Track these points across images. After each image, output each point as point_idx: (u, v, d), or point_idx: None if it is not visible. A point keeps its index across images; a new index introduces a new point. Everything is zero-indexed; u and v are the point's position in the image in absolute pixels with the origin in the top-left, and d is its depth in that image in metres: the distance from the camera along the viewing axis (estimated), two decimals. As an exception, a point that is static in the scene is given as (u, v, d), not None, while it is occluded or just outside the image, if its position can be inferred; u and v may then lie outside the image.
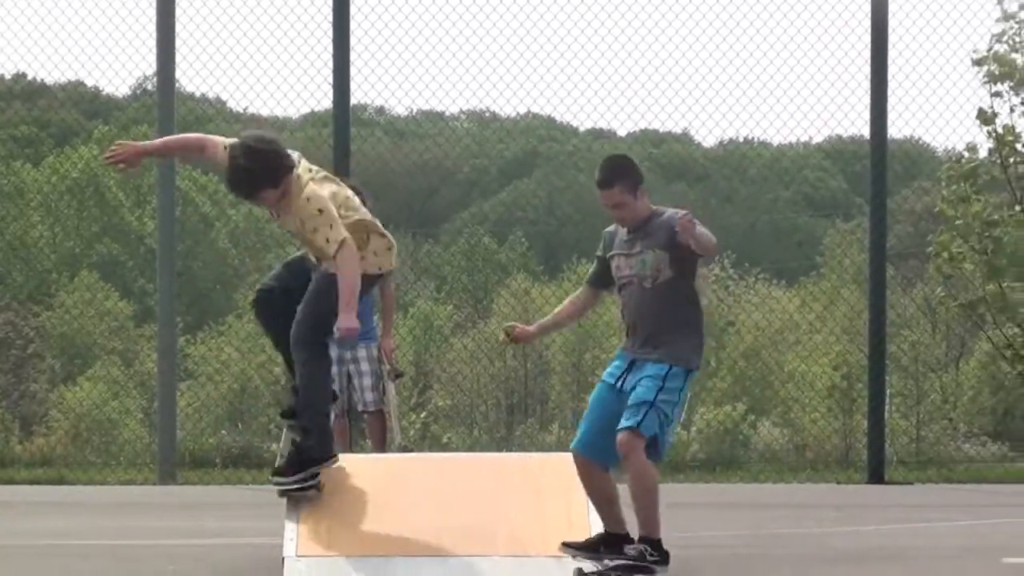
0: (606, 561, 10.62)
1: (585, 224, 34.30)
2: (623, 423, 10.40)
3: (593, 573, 10.73)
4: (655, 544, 10.72)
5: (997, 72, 24.31)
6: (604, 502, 10.93)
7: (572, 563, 12.33)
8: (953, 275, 23.70)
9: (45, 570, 13.26)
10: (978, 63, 24.52)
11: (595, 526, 12.61)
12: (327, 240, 10.73)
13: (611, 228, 10.83)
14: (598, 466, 10.88)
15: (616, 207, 10.47)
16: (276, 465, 11.64)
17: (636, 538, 10.71)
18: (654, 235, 10.40)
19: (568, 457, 13.41)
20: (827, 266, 35.07)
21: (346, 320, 10.76)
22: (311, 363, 11.24)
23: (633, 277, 10.49)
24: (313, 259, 11.29)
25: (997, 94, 24.39)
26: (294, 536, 12.32)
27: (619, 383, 10.67)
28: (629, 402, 10.50)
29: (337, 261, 10.74)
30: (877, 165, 22.82)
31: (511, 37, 25.97)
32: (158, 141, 11.87)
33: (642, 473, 10.61)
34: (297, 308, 11.14)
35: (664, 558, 10.78)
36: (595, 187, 10.57)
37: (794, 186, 40.08)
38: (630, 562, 10.60)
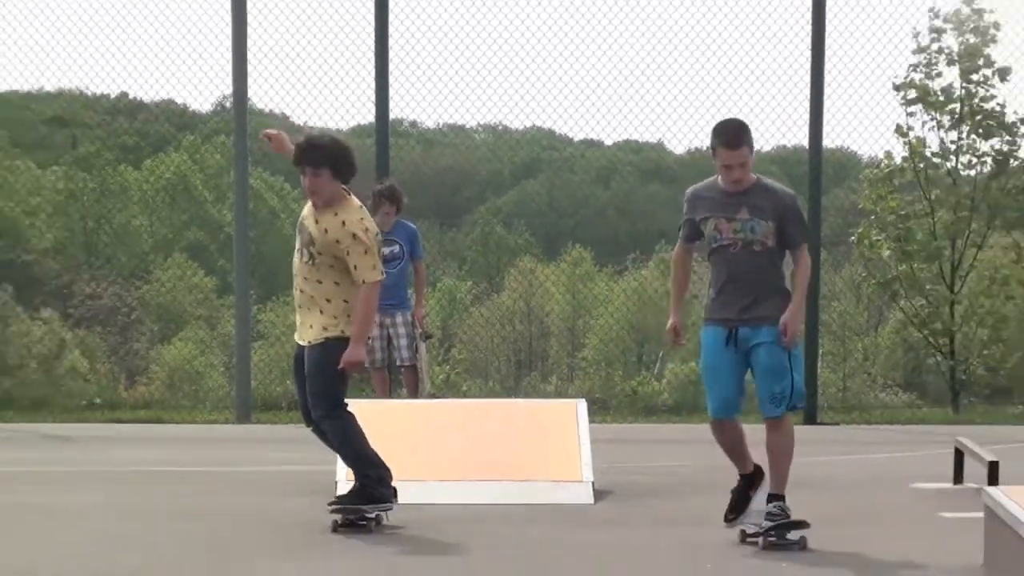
0: (763, 523, 9.54)
1: (578, 215, 34.45)
2: (786, 402, 9.48)
3: (754, 534, 9.71)
4: (783, 499, 9.72)
5: (912, 96, 24.73)
6: (739, 454, 9.93)
7: (567, 486, 12.86)
8: (872, 258, 24.35)
9: (150, 491, 13.74)
10: (897, 88, 24.86)
11: (585, 457, 13.13)
12: (356, 268, 10.08)
13: (697, 190, 9.68)
14: (731, 423, 9.79)
15: (742, 167, 9.22)
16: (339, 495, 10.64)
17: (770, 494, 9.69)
18: (763, 207, 9.39)
19: (564, 404, 15.31)
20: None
21: (353, 353, 10.09)
22: (342, 430, 10.39)
23: (738, 240, 9.34)
24: (299, 309, 10.62)
25: (911, 113, 24.79)
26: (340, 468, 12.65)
27: (731, 343, 9.42)
28: (764, 369, 9.49)
29: (362, 296, 10.10)
30: (814, 169, 22.72)
31: (519, 63, 26.15)
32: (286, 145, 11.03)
33: (790, 437, 9.68)
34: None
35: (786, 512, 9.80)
36: (720, 147, 9.22)
37: (749, 187, 39.73)
38: (780, 520, 9.55)
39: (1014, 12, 24.52)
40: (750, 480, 9.82)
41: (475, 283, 31.44)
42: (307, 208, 10.42)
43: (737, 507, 9.92)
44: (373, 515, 10.15)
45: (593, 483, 12.71)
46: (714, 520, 11.41)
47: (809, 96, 23.75)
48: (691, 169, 34.54)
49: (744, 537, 9.80)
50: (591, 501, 12.42)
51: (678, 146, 34.76)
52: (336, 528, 10.05)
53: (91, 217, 31.99)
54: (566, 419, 13.59)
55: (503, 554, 10.51)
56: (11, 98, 33.08)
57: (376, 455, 10.23)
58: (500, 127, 33.04)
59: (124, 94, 35.55)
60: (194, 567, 9.74)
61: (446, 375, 24.19)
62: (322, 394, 10.17)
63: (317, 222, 10.10)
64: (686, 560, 10.47)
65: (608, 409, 24.18)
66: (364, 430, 10.45)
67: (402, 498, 11.50)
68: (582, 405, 14.04)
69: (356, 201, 10.22)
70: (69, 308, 28.97)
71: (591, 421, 14.43)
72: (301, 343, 10.48)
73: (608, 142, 32.64)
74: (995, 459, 12.99)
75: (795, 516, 9.48)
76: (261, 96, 41.43)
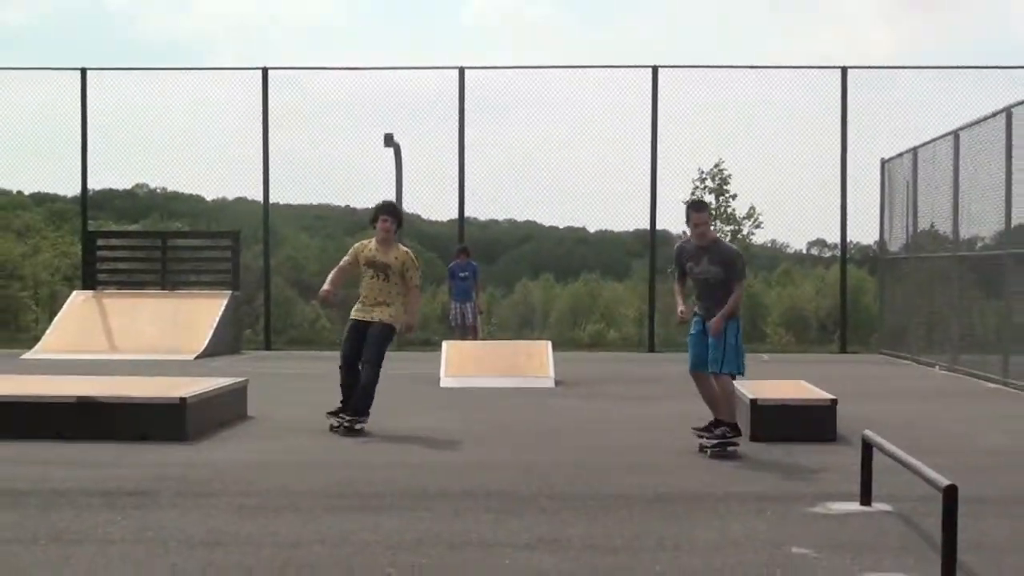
0: (712, 440, 12.29)
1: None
2: (719, 366, 12.30)
3: (707, 447, 12.28)
4: (733, 426, 12.32)
5: (710, 185, 31.71)
6: (711, 399, 12.51)
7: (542, 379, 19.63)
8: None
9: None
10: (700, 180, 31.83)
11: (550, 368, 20.10)
12: (413, 279, 14.10)
13: (681, 246, 12.91)
14: (704, 375, 12.46)
15: (702, 224, 12.46)
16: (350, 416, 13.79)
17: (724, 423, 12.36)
18: (716, 259, 12.48)
19: (541, 343, 22.15)
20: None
21: (411, 320, 14.33)
22: (375, 378, 13.83)
23: (702, 275, 12.47)
24: (370, 304, 14.05)
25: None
26: (442, 369, 20.37)
27: (703, 329, 12.48)
28: (716, 346, 12.30)
29: (412, 293, 14.12)
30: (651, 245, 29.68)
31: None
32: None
33: (728, 388, 12.37)
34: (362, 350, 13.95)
35: (738, 432, 12.42)
36: (692, 210, 12.67)
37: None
38: (721, 439, 12.24)
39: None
40: (717, 422, 12.38)
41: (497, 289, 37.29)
42: (373, 248, 14.11)
43: (706, 430, 12.55)
44: (359, 427, 13.72)
45: (555, 379, 19.92)
46: (654, 399, 17.62)
47: (650, 192, 29.69)
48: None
49: (701, 448, 12.43)
50: (553, 386, 19.55)
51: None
52: (333, 429, 13.79)
53: None
54: (542, 350, 21.16)
55: (514, 401, 17.08)
56: None
57: (371, 398, 13.89)
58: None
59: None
60: None
61: (488, 332, 29.90)
62: (377, 353, 13.85)
63: (386, 255, 14.02)
64: (607, 412, 16.28)
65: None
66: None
67: (455, 383, 19.04)
68: (549, 344, 21.58)
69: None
70: None
71: (560, 351, 21.35)
72: (366, 319, 13.99)
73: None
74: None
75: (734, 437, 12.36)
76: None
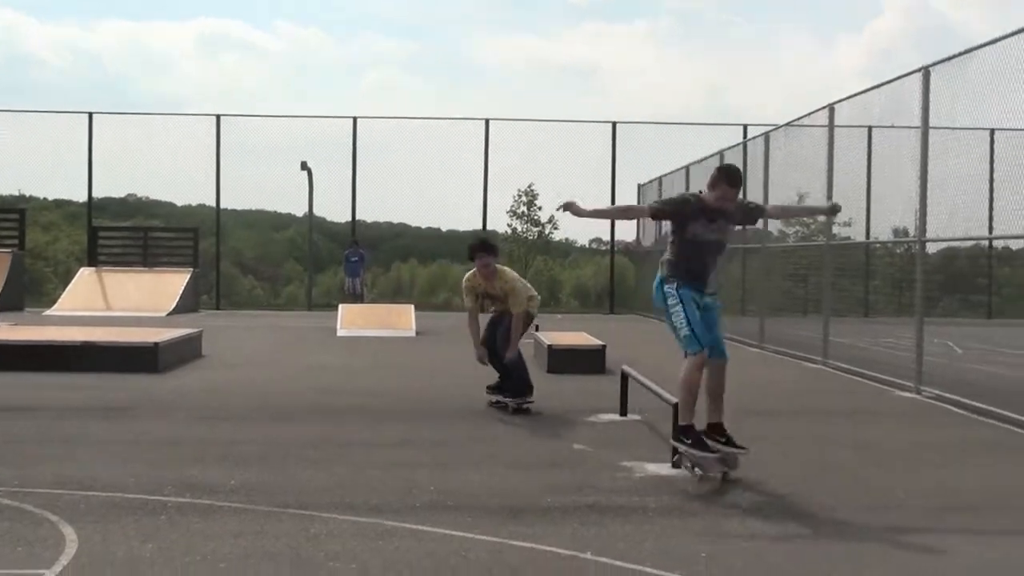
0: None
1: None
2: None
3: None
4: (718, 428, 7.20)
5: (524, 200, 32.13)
6: (716, 393, 7.36)
7: (407, 330, 19.31)
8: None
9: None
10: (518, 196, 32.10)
11: (412, 322, 19.81)
12: (518, 303, 10.11)
13: (694, 196, 7.50)
14: (718, 363, 7.39)
15: (731, 201, 7.29)
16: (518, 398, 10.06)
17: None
18: (740, 216, 7.81)
19: (407, 306, 21.41)
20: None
21: (511, 349, 10.11)
22: (521, 358, 10.26)
23: (715, 235, 7.34)
24: (501, 312, 10.36)
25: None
26: (338, 323, 19.98)
27: (712, 307, 7.46)
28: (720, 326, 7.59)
29: (516, 317, 10.07)
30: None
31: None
32: None
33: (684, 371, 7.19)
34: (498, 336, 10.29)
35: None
36: (725, 183, 7.30)
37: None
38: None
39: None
40: (713, 428, 7.20)
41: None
42: (476, 280, 10.19)
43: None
44: (527, 406, 10.02)
45: (416, 331, 20.00)
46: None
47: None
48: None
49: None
50: (415, 335, 19.56)
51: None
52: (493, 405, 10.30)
53: None
54: (408, 311, 21.21)
55: (387, 346, 17.32)
56: None
57: (529, 377, 10.20)
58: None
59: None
60: None
61: (371, 298, 28.56)
62: (512, 339, 10.21)
63: (493, 287, 10.16)
64: (451, 353, 16.41)
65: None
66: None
67: (347, 334, 18.63)
68: (412, 307, 21.62)
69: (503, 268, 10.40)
70: None
71: (420, 312, 21.78)
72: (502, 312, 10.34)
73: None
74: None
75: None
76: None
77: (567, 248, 38.59)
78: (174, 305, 25.97)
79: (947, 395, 11.32)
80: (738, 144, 21.78)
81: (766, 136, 18.56)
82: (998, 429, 9.57)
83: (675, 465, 7.16)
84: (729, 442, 7.05)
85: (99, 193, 31.39)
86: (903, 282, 15.00)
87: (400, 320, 20.58)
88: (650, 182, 29.55)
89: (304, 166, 30.46)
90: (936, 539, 5.66)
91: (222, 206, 31.02)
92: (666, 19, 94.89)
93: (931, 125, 11.78)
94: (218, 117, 30.27)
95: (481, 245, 10.30)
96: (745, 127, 28.00)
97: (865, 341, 15.48)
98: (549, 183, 30.98)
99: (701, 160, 23.54)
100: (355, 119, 30.32)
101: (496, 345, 10.27)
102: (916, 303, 12.11)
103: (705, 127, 29.73)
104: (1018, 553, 5.52)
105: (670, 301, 7.19)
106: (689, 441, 6.98)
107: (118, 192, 36.90)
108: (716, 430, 7.10)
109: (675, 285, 7.20)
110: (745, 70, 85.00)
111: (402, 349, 17.03)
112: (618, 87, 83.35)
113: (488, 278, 10.14)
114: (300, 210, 33.45)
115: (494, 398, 10.37)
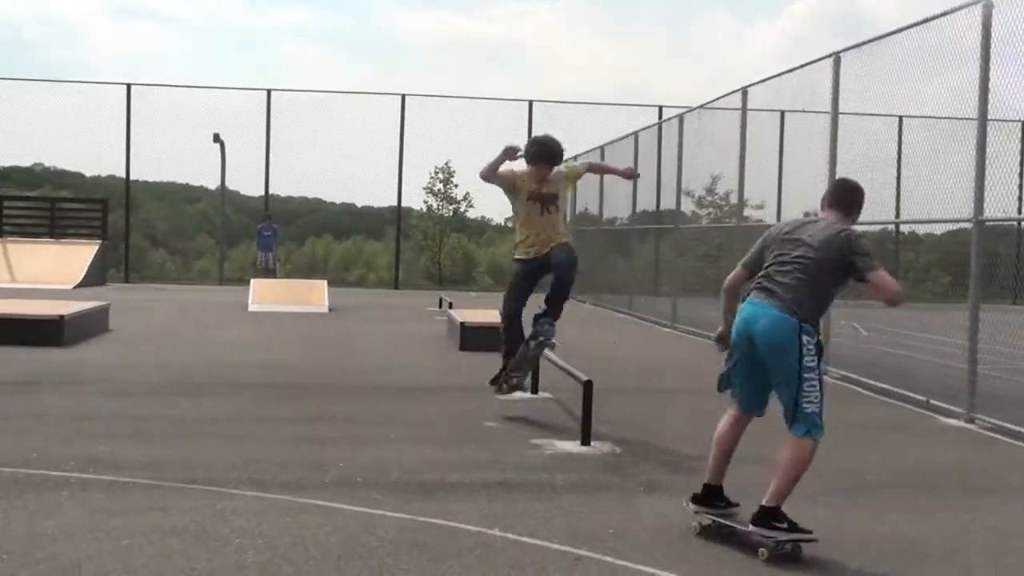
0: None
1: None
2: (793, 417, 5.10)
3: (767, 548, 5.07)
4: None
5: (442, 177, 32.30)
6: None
7: (320, 306, 19.07)
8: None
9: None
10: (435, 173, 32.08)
11: (325, 298, 19.51)
12: (563, 223, 8.61)
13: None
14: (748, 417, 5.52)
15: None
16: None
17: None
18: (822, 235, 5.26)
19: (320, 282, 20.97)
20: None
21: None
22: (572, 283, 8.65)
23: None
24: (546, 237, 8.40)
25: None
26: (250, 298, 19.74)
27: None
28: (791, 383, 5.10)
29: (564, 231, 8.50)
30: (398, 216, 31.23)
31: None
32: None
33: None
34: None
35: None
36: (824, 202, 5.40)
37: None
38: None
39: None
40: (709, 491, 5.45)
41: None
42: (523, 177, 8.55)
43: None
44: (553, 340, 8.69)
45: (329, 306, 19.68)
46: (398, 320, 18.19)
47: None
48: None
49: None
50: (327, 311, 19.29)
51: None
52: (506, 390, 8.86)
53: None
54: (321, 286, 20.88)
55: (300, 322, 17.01)
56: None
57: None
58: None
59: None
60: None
61: (284, 273, 28.76)
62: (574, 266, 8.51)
63: (548, 184, 8.53)
64: (364, 329, 16.87)
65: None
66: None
67: (259, 309, 18.53)
68: (325, 283, 21.25)
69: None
70: None
71: (334, 288, 21.72)
72: (544, 251, 8.46)
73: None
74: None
75: None
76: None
77: (482, 226, 38.57)
78: (81, 278, 25.41)
79: (852, 375, 11.58)
80: (653, 125, 21.98)
81: (680, 118, 18.74)
82: (902, 409, 9.80)
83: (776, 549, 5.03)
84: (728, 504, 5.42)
85: (4, 162, 31.10)
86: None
87: (313, 296, 20.42)
88: (565, 161, 29.57)
89: (217, 138, 30.15)
90: (832, 513, 5.78)
91: (133, 178, 30.54)
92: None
93: (841, 110, 11.99)
94: (128, 86, 29.73)
95: (549, 154, 8.61)
96: (660, 108, 28.26)
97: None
98: (466, 160, 31.09)
99: (617, 140, 23.74)
100: (269, 91, 30.01)
101: (521, 311, 8.67)
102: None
103: (622, 107, 29.71)
104: (926, 529, 5.66)
105: (808, 362, 5.04)
106: (785, 526, 5.05)
107: (24, 161, 36.24)
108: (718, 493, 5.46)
109: (815, 339, 5.11)
110: (664, 51, 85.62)
111: (315, 325, 16.90)
112: (538, 66, 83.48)
113: (541, 181, 8.48)
114: (213, 183, 33.11)
115: (509, 382, 8.72)
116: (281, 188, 32.12)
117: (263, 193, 30.52)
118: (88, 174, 37.58)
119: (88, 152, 31.34)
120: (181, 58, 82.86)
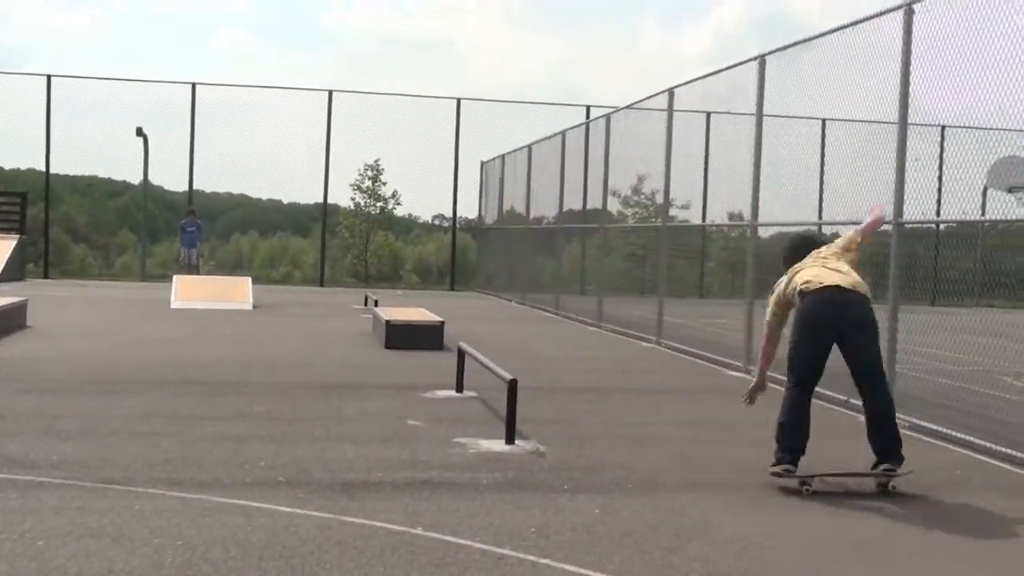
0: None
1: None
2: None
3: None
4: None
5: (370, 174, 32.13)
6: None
7: (244, 303, 18.93)
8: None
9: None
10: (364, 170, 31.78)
11: (249, 295, 19.38)
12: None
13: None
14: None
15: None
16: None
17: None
18: None
19: (244, 279, 20.71)
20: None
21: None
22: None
23: None
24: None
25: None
26: (173, 295, 19.60)
27: None
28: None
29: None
30: (324, 213, 31.18)
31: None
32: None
33: None
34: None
35: None
36: None
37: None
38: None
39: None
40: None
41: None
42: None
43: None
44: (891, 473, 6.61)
45: (253, 304, 19.56)
46: (322, 318, 18.21)
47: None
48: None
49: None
50: (251, 309, 19.20)
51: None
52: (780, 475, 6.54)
53: None
54: (245, 283, 20.74)
55: (223, 319, 16.89)
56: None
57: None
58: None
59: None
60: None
61: (208, 270, 30.59)
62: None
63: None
64: (288, 327, 17.01)
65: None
66: None
67: (182, 305, 18.50)
68: (249, 280, 21.13)
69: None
70: None
71: (258, 285, 21.63)
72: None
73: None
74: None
75: None
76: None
77: (409, 224, 38.51)
78: (-2, 273, 25.05)
79: (778, 376, 11.62)
80: (580, 125, 22.08)
81: (607, 117, 18.83)
82: (824, 408, 9.87)
83: None
84: None
85: (-86, 152, 29.78)
86: (737, 264, 15.39)
87: (237, 293, 20.26)
88: (493, 159, 29.76)
89: (140, 132, 29.62)
90: (751, 506, 5.84)
91: (53, 171, 30.00)
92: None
93: (766, 113, 12.13)
94: (49, 77, 29.11)
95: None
96: (588, 107, 28.41)
97: (700, 322, 15.94)
98: (395, 158, 31.00)
99: (544, 139, 23.80)
100: (194, 85, 29.63)
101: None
102: (747, 285, 12.50)
103: (550, 106, 29.82)
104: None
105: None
106: None
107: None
108: None
109: None
110: (593, 50, 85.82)
111: (238, 322, 16.75)
112: (468, 63, 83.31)
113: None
114: (135, 177, 32.47)
115: (794, 480, 6.48)
116: (206, 183, 31.98)
117: (187, 188, 30.19)
118: (6, 167, 36.69)
119: (6, 144, 30.72)
120: (114, 47, 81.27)
